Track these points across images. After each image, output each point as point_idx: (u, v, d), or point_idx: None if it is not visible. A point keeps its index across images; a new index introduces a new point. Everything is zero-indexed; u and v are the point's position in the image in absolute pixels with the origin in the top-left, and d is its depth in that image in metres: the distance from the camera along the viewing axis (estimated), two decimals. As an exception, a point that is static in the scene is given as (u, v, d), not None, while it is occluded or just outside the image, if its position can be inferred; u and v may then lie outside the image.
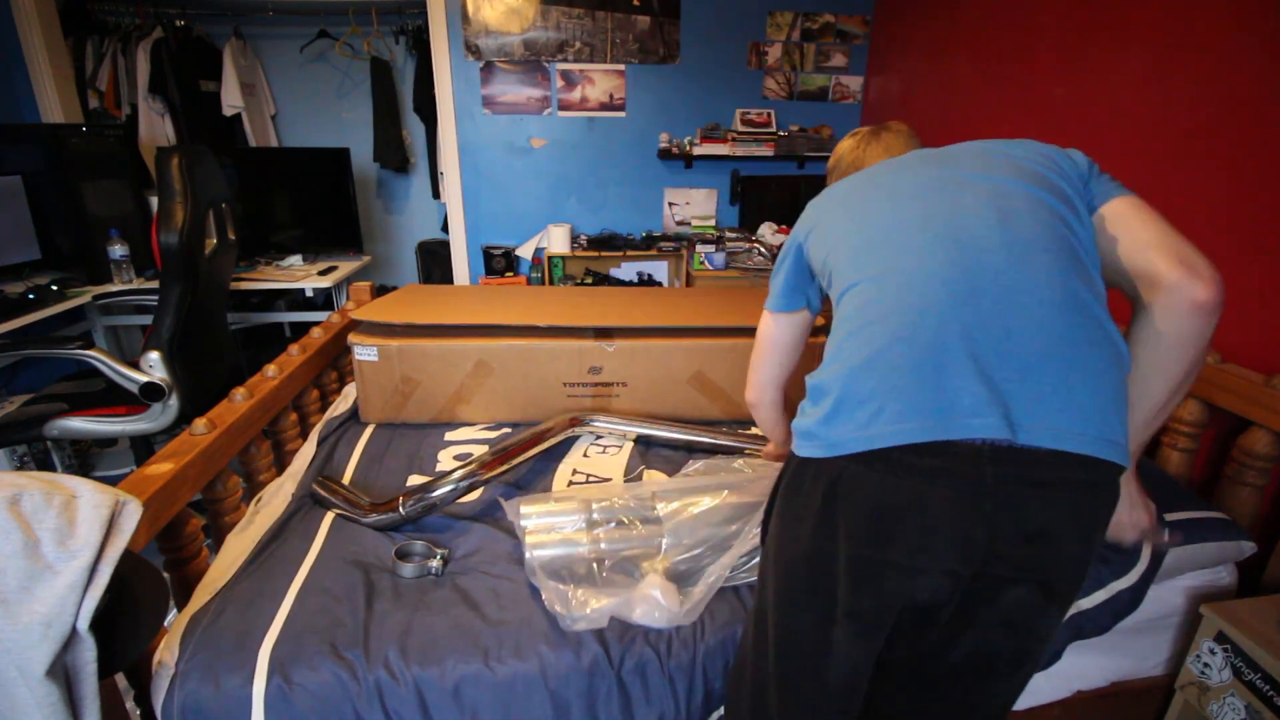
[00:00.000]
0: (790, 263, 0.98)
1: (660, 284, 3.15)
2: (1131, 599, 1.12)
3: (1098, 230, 0.80)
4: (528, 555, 1.09)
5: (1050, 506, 0.69)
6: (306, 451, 1.51)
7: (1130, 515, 0.88)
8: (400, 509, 1.23)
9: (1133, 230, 0.79)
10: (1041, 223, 0.76)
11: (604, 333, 1.68)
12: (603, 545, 1.12)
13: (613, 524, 1.16)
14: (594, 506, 1.18)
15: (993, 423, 0.67)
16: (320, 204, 3.11)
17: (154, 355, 1.73)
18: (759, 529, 0.96)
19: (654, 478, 1.44)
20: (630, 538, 1.14)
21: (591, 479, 1.45)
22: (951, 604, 0.74)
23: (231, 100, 3.31)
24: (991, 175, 0.81)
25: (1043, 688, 1.19)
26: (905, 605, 0.74)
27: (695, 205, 3.16)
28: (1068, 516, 0.70)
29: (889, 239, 0.81)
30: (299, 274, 2.73)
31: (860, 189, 0.91)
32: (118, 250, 2.42)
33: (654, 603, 1.02)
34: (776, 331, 1.04)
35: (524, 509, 1.15)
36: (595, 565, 1.11)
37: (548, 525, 1.14)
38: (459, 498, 1.28)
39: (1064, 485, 0.69)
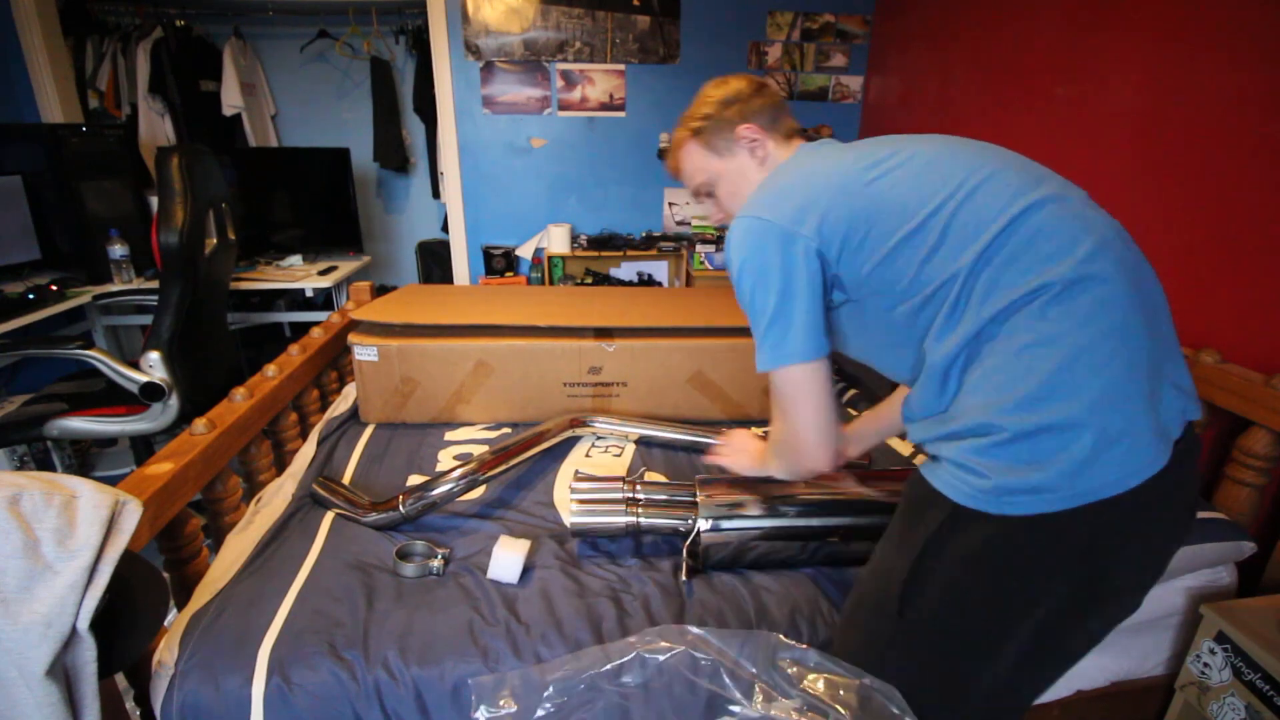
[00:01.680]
0: (805, 282, 0.80)
1: (660, 284, 3.15)
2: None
3: None
4: (568, 521, 1.19)
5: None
6: (306, 451, 1.51)
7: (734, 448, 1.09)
8: (401, 508, 1.23)
9: None
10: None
11: (604, 333, 1.68)
12: (641, 520, 1.18)
13: (652, 500, 1.21)
14: (638, 485, 1.23)
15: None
16: (320, 204, 3.11)
17: (154, 355, 1.73)
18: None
19: (654, 478, 1.44)
20: (669, 515, 1.19)
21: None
22: None
23: (231, 100, 3.32)
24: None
25: (1043, 688, 1.19)
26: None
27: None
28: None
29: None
30: (299, 274, 2.73)
31: (868, 146, 0.84)
32: (118, 250, 2.42)
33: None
34: (819, 377, 0.83)
35: (575, 484, 1.22)
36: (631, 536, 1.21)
37: (592, 492, 1.21)
38: (459, 496, 1.28)
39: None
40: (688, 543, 1.15)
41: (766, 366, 0.84)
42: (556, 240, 2.93)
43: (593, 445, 1.60)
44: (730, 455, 1.11)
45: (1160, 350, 0.71)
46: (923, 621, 0.76)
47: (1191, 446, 0.73)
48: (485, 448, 1.53)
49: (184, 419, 1.81)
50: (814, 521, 1.13)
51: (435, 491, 1.24)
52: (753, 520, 1.12)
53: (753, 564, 1.15)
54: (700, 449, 1.57)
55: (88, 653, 0.69)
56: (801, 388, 0.83)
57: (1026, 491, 0.67)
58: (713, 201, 1.04)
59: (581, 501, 1.19)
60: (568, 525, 1.22)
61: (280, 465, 1.52)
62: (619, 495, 1.21)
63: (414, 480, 1.42)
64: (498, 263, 3.06)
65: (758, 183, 0.94)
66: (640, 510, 1.19)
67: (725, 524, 1.12)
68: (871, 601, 0.83)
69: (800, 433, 0.86)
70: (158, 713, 0.90)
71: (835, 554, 1.15)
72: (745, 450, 1.10)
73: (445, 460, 1.50)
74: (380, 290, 2.15)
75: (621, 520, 1.18)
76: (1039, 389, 0.67)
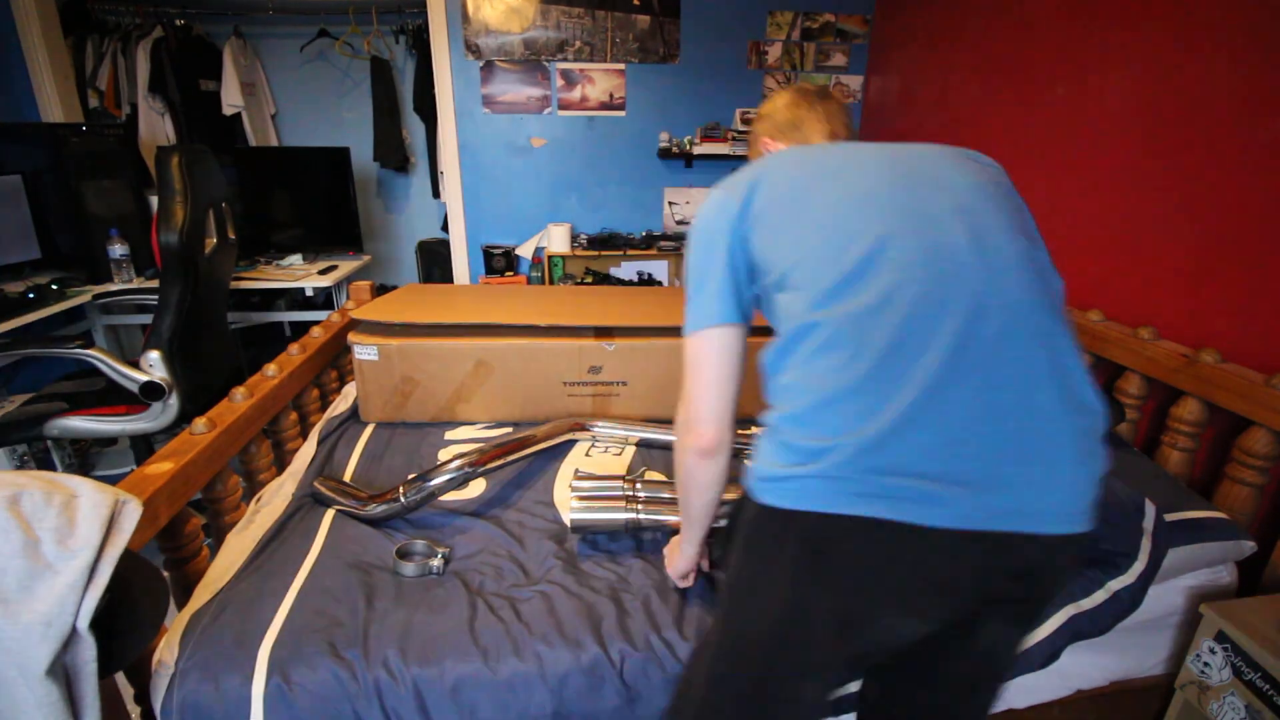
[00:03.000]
0: (724, 247, 0.81)
1: (660, 284, 3.15)
2: (1131, 599, 1.12)
3: None
4: (568, 519, 1.21)
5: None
6: (306, 451, 1.51)
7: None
8: (401, 498, 1.23)
9: None
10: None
11: (604, 332, 1.68)
12: (641, 516, 1.19)
13: (652, 498, 1.22)
14: (638, 484, 1.24)
15: None
16: (320, 203, 3.10)
17: (154, 355, 1.73)
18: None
19: (654, 477, 1.44)
20: (670, 512, 1.20)
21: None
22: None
23: (231, 100, 3.31)
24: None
25: (1043, 686, 1.19)
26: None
27: (695, 205, 3.16)
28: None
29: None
30: (299, 273, 2.73)
31: (815, 184, 0.80)
32: (118, 250, 2.42)
33: None
34: (724, 345, 0.83)
35: (575, 483, 1.24)
36: (631, 534, 1.22)
37: (593, 490, 1.22)
38: (459, 486, 1.28)
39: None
40: None
41: (684, 332, 0.85)
42: (556, 240, 2.93)
43: (593, 445, 1.60)
44: (669, 568, 1.10)
45: (995, 424, 0.67)
46: (722, 587, 0.86)
47: (1026, 545, 0.67)
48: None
49: (184, 419, 1.81)
50: None
51: (434, 481, 1.24)
52: None
53: None
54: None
55: (88, 652, 0.69)
56: (702, 352, 0.83)
57: (770, 480, 0.72)
58: None
59: (582, 498, 1.19)
60: (568, 523, 1.22)
61: (280, 465, 1.52)
62: (619, 493, 1.21)
63: (414, 480, 1.42)
64: (498, 262, 3.06)
65: None
66: (640, 507, 1.19)
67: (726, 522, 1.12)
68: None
69: (692, 402, 0.84)
70: (158, 712, 0.90)
71: None
72: (669, 553, 1.11)
73: (445, 459, 1.50)
74: (380, 290, 2.15)
75: (621, 517, 1.18)
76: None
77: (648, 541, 1.23)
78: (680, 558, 1.05)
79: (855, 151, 0.83)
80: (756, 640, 0.74)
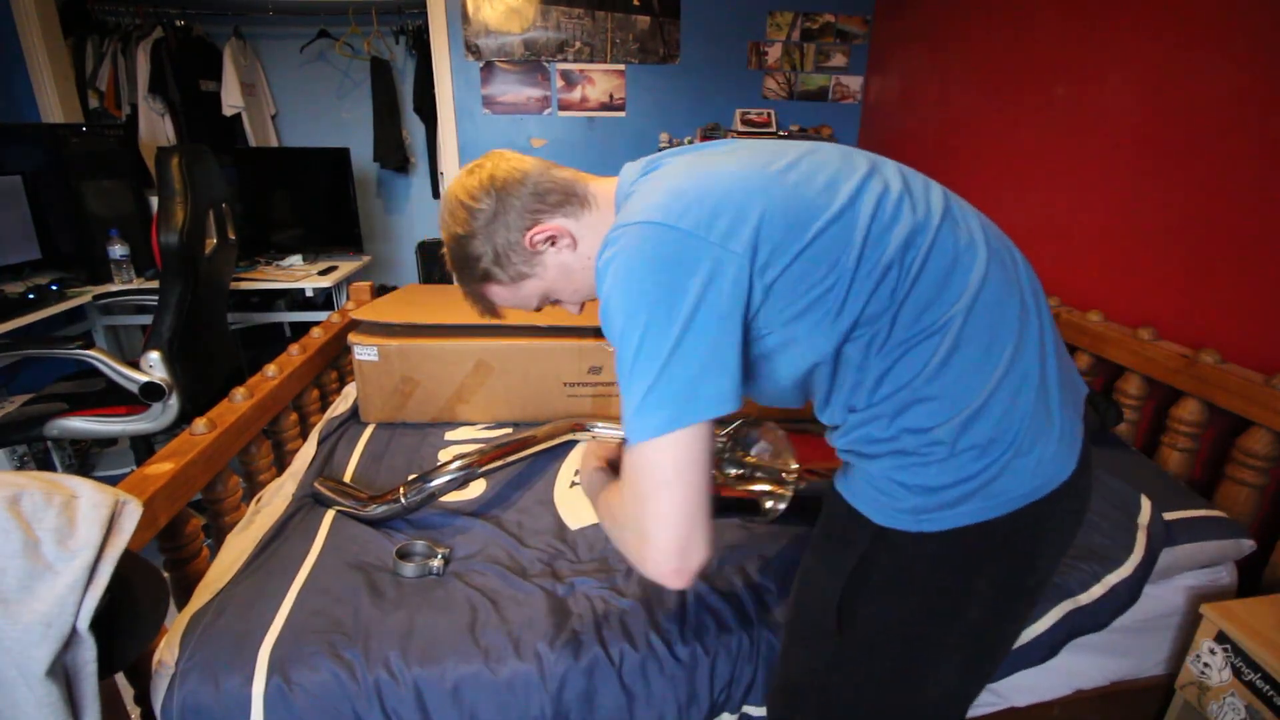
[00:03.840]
0: (729, 310, 0.62)
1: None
2: (1129, 594, 1.12)
3: None
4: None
5: None
6: (306, 451, 1.51)
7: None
8: (401, 498, 1.23)
9: None
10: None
11: (604, 333, 1.67)
12: None
13: None
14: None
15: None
16: (320, 204, 3.10)
17: (154, 355, 1.73)
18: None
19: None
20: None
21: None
22: None
23: (231, 100, 3.31)
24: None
25: (1043, 686, 1.19)
26: None
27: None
28: None
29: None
30: (299, 274, 2.73)
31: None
32: (118, 250, 2.42)
33: None
34: (703, 448, 0.62)
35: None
36: None
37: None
38: (459, 486, 1.28)
39: None
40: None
41: (654, 432, 0.61)
42: (556, 240, 2.92)
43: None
44: (581, 461, 0.93)
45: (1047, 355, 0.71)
46: (860, 640, 0.75)
47: (1088, 441, 0.74)
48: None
49: (184, 419, 1.81)
50: None
51: (435, 482, 1.24)
52: None
53: None
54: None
55: (88, 653, 0.69)
56: (682, 460, 0.61)
57: (941, 508, 0.67)
58: (565, 305, 0.88)
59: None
60: (570, 526, 1.21)
61: (280, 465, 1.52)
62: None
63: (414, 480, 1.42)
64: (498, 263, 3.05)
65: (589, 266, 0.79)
66: None
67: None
68: (810, 620, 0.81)
69: (656, 533, 0.62)
70: (158, 713, 0.90)
71: None
72: (589, 455, 0.92)
73: (446, 460, 1.50)
74: (380, 290, 2.15)
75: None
76: (948, 411, 0.65)
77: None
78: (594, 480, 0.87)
79: (773, 150, 0.73)
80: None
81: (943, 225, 0.68)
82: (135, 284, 2.47)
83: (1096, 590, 1.11)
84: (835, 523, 0.77)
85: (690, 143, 2.91)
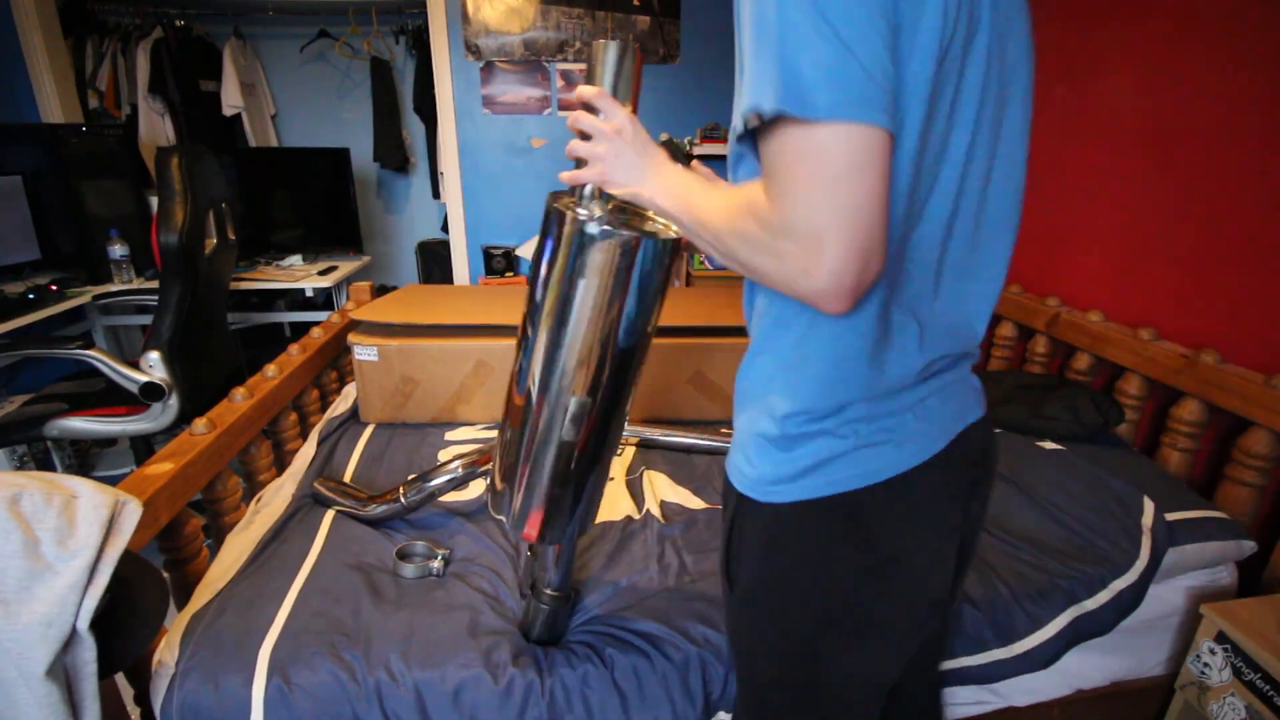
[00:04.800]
0: None
1: (660, 284, 3.14)
2: (1133, 598, 1.12)
3: None
4: None
5: None
6: (306, 451, 1.51)
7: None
8: (401, 498, 1.23)
9: None
10: None
11: (604, 333, 1.67)
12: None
13: None
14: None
15: None
16: (320, 204, 3.10)
17: (154, 355, 1.73)
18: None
19: (654, 477, 1.44)
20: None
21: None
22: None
23: (231, 100, 3.31)
24: None
25: (1043, 686, 1.19)
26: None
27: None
28: None
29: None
30: (299, 274, 2.73)
31: None
32: (118, 250, 2.42)
33: None
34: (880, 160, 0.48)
35: None
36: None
37: None
38: (459, 486, 1.28)
39: None
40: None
41: (772, 104, 0.48)
42: (556, 240, 2.92)
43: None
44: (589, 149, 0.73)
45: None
46: (742, 604, 0.74)
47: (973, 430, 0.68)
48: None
49: (184, 419, 1.81)
50: None
51: (435, 482, 1.24)
52: None
53: None
54: (698, 451, 1.57)
55: (88, 653, 0.69)
56: (855, 160, 0.47)
57: (786, 481, 0.64)
58: None
59: None
60: None
61: (280, 465, 1.52)
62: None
63: (414, 480, 1.42)
64: (498, 263, 3.05)
65: None
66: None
67: None
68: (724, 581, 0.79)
69: (837, 225, 0.48)
70: (158, 713, 0.90)
71: None
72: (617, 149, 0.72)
73: (445, 460, 1.50)
74: (380, 290, 2.15)
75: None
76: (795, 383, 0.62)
77: (641, 544, 1.23)
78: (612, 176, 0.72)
79: None
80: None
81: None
82: (135, 284, 2.47)
83: (1103, 595, 1.12)
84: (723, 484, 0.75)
85: (691, 143, 2.92)
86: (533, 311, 0.80)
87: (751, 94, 0.50)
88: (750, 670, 0.78)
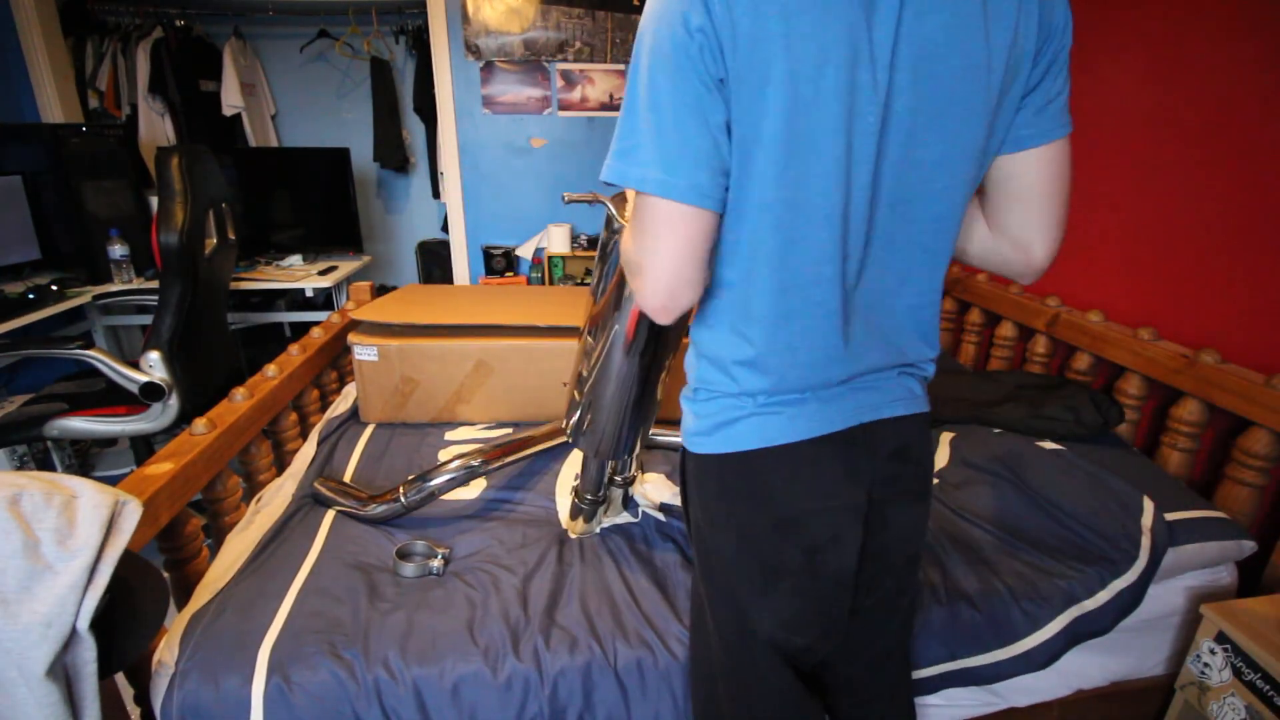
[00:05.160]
0: (687, 68, 0.59)
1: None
2: (1133, 597, 1.12)
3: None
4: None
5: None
6: (306, 451, 1.51)
7: None
8: (401, 498, 1.23)
9: None
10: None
11: (604, 333, 1.68)
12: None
13: None
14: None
15: None
16: (320, 204, 3.11)
17: (154, 355, 1.73)
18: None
19: (653, 478, 1.44)
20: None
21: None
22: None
23: (231, 100, 3.31)
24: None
25: (1043, 686, 1.19)
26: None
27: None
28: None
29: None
30: (299, 274, 2.73)
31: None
32: (118, 250, 2.42)
33: None
34: (695, 225, 0.63)
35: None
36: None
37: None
38: (459, 486, 1.28)
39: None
40: None
41: (609, 176, 0.64)
42: (556, 240, 2.92)
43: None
44: None
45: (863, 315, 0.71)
46: (695, 538, 0.84)
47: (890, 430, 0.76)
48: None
49: (184, 419, 1.81)
50: None
51: (435, 481, 1.24)
52: None
53: None
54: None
55: (88, 653, 0.69)
56: (664, 225, 0.63)
57: (699, 434, 0.75)
58: None
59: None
60: (564, 524, 1.22)
61: (280, 465, 1.52)
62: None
63: (414, 480, 1.42)
64: (498, 263, 3.05)
65: None
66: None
67: None
68: None
69: (651, 265, 0.65)
70: (158, 713, 0.90)
71: None
72: None
73: (445, 460, 1.50)
74: (380, 290, 2.15)
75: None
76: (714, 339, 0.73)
77: (642, 541, 1.23)
78: None
79: None
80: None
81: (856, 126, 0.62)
82: (135, 284, 2.47)
83: (1102, 595, 1.11)
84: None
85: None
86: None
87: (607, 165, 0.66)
88: (698, 619, 0.87)
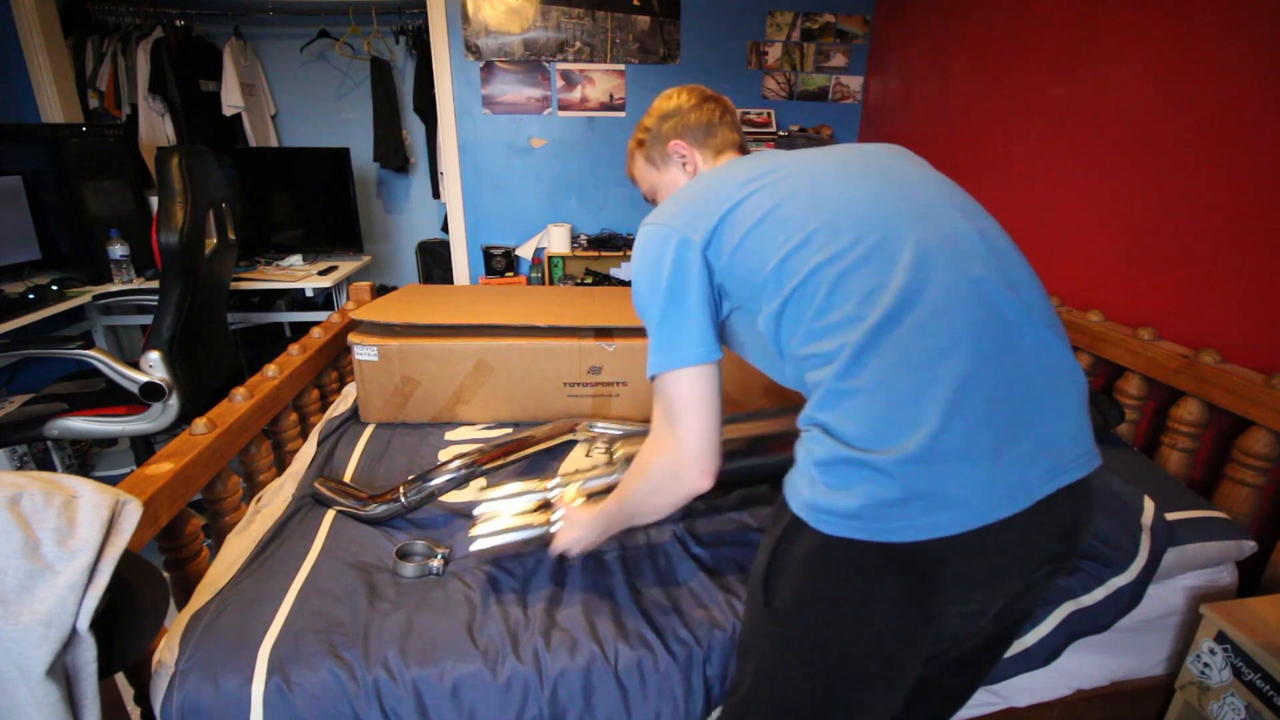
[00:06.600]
0: (695, 283, 0.80)
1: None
2: (1132, 596, 1.12)
3: None
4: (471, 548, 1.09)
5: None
6: (306, 451, 1.51)
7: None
8: (401, 498, 1.23)
9: None
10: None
11: (604, 332, 1.68)
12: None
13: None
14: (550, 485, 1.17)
15: None
16: (320, 204, 3.11)
17: (154, 355, 1.73)
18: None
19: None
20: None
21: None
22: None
23: (231, 100, 3.32)
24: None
25: (1043, 686, 1.19)
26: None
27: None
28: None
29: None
30: (299, 274, 2.73)
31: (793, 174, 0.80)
32: (118, 250, 2.42)
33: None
34: (709, 383, 0.82)
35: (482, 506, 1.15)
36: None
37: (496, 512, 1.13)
38: (459, 485, 1.28)
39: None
40: None
41: (655, 370, 0.82)
42: (556, 240, 2.93)
43: (592, 445, 1.60)
44: (563, 536, 1.04)
45: (1026, 396, 0.66)
46: (784, 616, 0.75)
47: (1068, 500, 0.68)
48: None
49: (184, 419, 1.81)
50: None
51: (435, 481, 1.24)
52: None
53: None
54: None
55: (88, 653, 0.69)
56: (690, 394, 0.80)
57: (838, 515, 0.66)
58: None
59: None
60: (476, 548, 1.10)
61: (280, 465, 1.52)
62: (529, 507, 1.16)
63: (414, 480, 1.42)
64: (498, 263, 3.06)
65: None
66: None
67: None
68: (751, 587, 0.81)
69: (685, 444, 0.81)
70: (158, 713, 0.90)
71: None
72: (577, 522, 1.03)
73: (445, 460, 1.50)
74: (380, 290, 2.16)
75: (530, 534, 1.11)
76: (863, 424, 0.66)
77: (643, 540, 1.23)
78: (588, 536, 1.01)
79: (808, 160, 0.83)
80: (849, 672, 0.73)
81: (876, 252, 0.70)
82: (135, 284, 2.47)
83: (1100, 592, 1.11)
84: (778, 498, 0.78)
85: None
86: None
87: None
88: (770, 683, 0.79)
